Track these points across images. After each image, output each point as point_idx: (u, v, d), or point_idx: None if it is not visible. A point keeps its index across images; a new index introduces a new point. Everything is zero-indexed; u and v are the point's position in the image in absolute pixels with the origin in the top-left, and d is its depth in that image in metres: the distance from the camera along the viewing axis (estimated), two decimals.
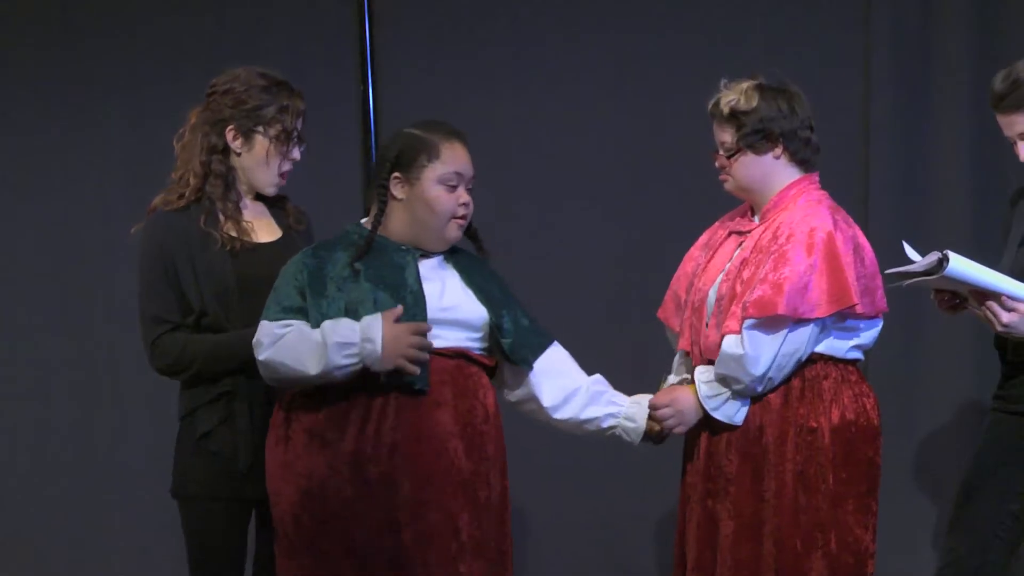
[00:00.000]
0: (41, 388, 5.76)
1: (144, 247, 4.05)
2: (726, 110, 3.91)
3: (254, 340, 3.76)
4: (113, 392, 5.71)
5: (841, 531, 3.85)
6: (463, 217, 3.83)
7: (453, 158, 3.80)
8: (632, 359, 4.83)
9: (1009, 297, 3.86)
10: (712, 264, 4.00)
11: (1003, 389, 4.16)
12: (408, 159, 3.80)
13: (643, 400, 3.97)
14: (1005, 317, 3.86)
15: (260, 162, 4.06)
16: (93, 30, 5.68)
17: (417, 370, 3.68)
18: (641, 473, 5.35)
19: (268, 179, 4.08)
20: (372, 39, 5.56)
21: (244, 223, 4.05)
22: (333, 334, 3.67)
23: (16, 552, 5.77)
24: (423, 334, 3.69)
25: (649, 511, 5.38)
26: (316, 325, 3.72)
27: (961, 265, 3.79)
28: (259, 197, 4.13)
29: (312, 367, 3.67)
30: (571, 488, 5.51)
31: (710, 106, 3.95)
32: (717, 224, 4.09)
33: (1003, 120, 4.02)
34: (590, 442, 5.25)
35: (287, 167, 4.09)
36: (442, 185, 3.79)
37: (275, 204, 4.16)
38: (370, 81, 5.55)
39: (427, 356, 3.69)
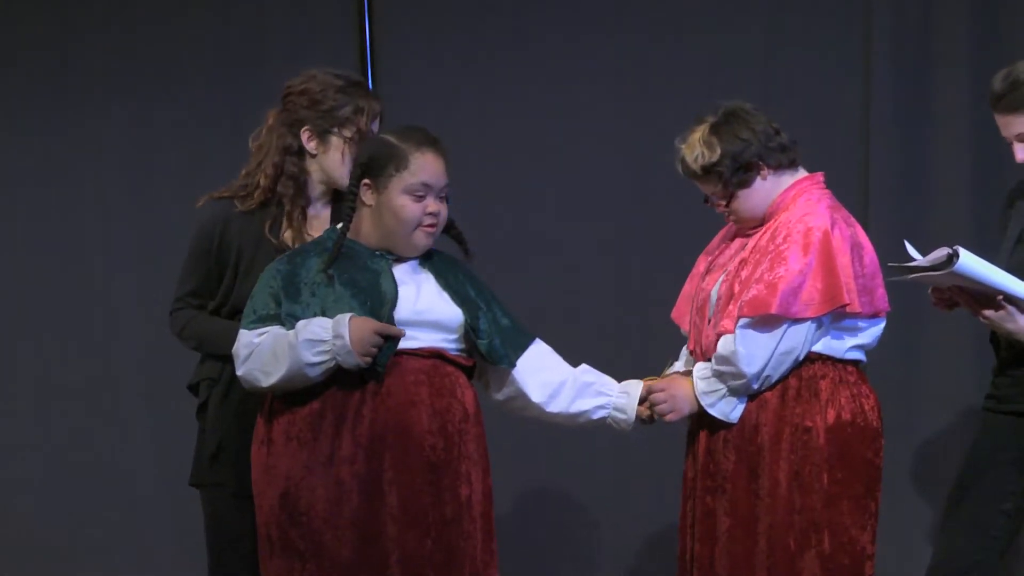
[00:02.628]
0: (41, 388, 5.76)
1: (199, 226, 4.07)
2: (697, 169, 3.90)
3: (233, 351, 3.79)
4: (113, 391, 5.71)
5: (835, 532, 3.84)
6: (431, 226, 3.81)
7: (422, 168, 3.78)
8: (633, 361, 4.81)
9: (1012, 297, 3.87)
10: (717, 265, 4.01)
11: (995, 388, 4.16)
12: (377, 166, 3.78)
13: (633, 389, 3.97)
14: (990, 313, 3.87)
15: (336, 163, 4.04)
16: (93, 30, 5.67)
17: (371, 360, 3.67)
18: (643, 470, 5.36)
19: (346, 178, 4.04)
20: (372, 39, 5.56)
21: (307, 235, 4.04)
22: (305, 331, 3.68)
23: (17, 552, 5.77)
24: (388, 332, 3.68)
25: (651, 508, 5.38)
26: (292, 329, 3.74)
27: (971, 262, 3.78)
28: (336, 198, 4.11)
29: (283, 365, 3.68)
30: (572, 486, 5.52)
31: (680, 168, 3.93)
32: (729, 225, 4.09)
33: (1001, 120, 4.02)
34: (591, 440, 5.29)
35: None
36: (408, 195, 3.77)
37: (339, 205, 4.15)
38: (370, 81, 5.55)
39: (380, 341, 3.68)
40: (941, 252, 3.80)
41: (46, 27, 5.70)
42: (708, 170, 3.90)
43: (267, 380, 3.73)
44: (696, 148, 3.90)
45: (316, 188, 4.08)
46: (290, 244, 4.01)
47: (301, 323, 3.71)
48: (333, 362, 3.68)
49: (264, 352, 3.72)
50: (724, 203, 3.94)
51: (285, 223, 4.03)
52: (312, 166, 4.07)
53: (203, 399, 4.09)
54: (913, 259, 3.86)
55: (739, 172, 3.89)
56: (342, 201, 3.96)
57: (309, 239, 4.02)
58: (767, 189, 3.93)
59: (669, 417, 3.94)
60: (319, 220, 4.08)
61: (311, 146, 4.04)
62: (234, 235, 4.02)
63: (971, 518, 4.12)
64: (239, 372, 3.77)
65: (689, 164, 3.92)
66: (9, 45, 5.72)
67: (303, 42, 5.54)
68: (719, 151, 3.88)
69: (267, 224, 4.02)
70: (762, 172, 3.91)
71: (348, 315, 3.69)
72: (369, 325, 3.68)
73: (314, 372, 3.70)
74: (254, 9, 5.64)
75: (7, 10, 5.70)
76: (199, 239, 4.06)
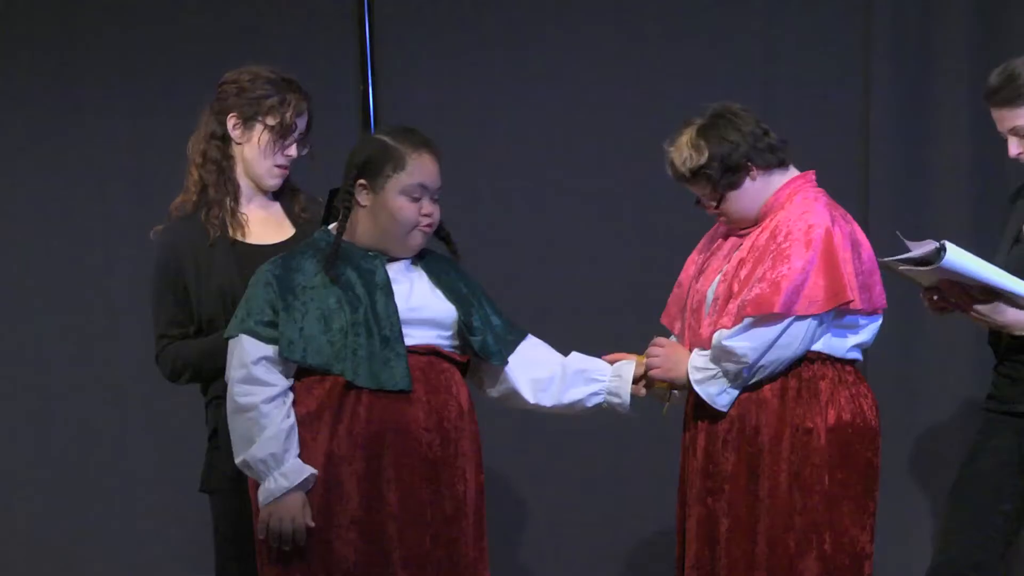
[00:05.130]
0: (41, 388, 5.76)
1: (155, 257, 4.08)
2: (686, 172, 3.90)
3: (229, 353, 3.76)
4: (113, 392, 5.71)
5: (836, 532, 3.85)
6: (427, 226, 3.82)
7: (419, 170, 3.79)
8: None
9: (1000, 290, 3.88)
10: (710, 266, 4.01)
11: (995, 390, 4.17)
12: (374, 167, 3.79)
13: (626, 371, 3.96)
14: (980, 307, 3.89)
15: (256, 152, 4.07)
16: (93, 30, 5.67)
17: (263, 538, 3.71)
18: (642, 470, 5.35)
19: (264, 170, 4.08)
20: (372, 39, 5.56)
21: (240, 214, 4.05)
22: (272, 468, 3.69)
23: (17, 552, 5.77)
24: (301, 533, 3.69)
25: (650, 508, 5.38)
26: (292, 339, 3.72)
27: (958, 256, 3.81)
28: (275, 195, 4.14)
29: (242, 450, 3.73)
30: (571, 486, 5.51)
31: (668, 171, 3.94)
32: (716, 227, 4.10)
33: (996, 114, 4.05)
34: (589, 439, 5.29)
35: (282, 161, 4.09)
36: (405, 196, 3.79)
37: (287, 199, 4.16)
38: (370, 81, 5.55)
39: (285, 547, 3.71)
40: (929, 245, 3.82)
41: (46, 27, 5.70)
42: (696, 173, 3.90)
43: (232, 421, 3.76)
44: (684, 151, 3.90)
45: (249, 180, 4.11)
46: (230, 229, 4.02)
47: (279, 458, 3.69)
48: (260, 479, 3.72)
49: (240, 431, 3.73)
50: (715, 204, 3.94)
51: (216, 209, 4.04)
52: (238, 154, 4.09)
53: (215, 424, 4.07)
54: (908, 251, 3.88)
55: (728, 174, 3.89)
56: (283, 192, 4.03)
57: (243, 219, 4.04)
58: (757, 189, 3.93)
59: (654, 372, 3.94)
60: (260, 209, 4.10)
61: (236, 134, 4.07)
62: (184, 247, 4.03)
63: (971, 518, 4.12)
64: (234, 374, 3.73)
65: (677, 167, 3.92)
66: (9, 45, 5.72)
67: (303, 42, 5.54)
68: (707, 154, 3.88)
69: (203, 213, 4.03)
70: (751, 173, 3.91)
71: (306, 482, 3.69)
72: (298, 516, 3.68)
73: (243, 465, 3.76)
74: (254, 9, 5.64)
75: (7, 10, 5.70)
76: (157, 272, 4.06)
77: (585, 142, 5.50)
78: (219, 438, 4.05)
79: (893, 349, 5.19)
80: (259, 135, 4.06)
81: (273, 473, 3.69)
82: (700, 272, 4.03)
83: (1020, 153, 4.05)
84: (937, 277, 3.90)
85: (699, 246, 4.12)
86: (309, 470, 3.70)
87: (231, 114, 4.06)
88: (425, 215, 3.80)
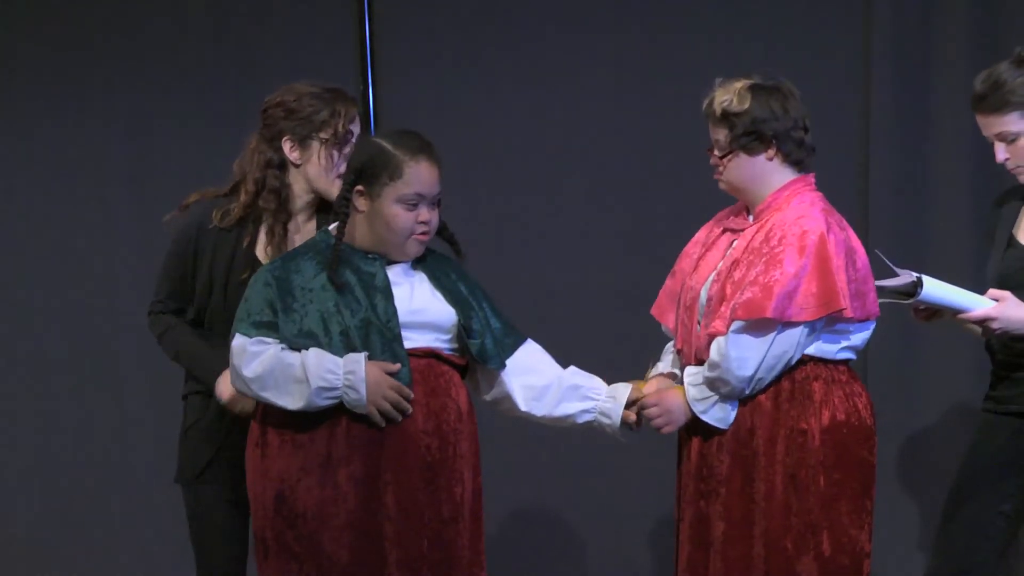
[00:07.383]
0: (41, 387, 5.76)
1: (181, 229, 4.09)
2: (718, 111, 3.90)
3: (231, 356, 3.77)
4: (113, 391, 5.72)
5: (835, 532, 3.84)
6: (423, 234, 3.82)
7: (416, 178, 3.77)
8: (626, 358, 4.84)
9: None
10: (704, 262, 4.00)
11: (994, 390, 4.17)
12: (371, 174, 3.78)
13: (620, 393, 3.95)
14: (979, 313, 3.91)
15: (318, 169, 4.06)
16: (93, 30, 5.68)
17: (382, 422, 3.71)
18: (641, 472, 5.35)
19: (331, 183, 4.05)
20: (372, 39, 5.56)
21: (285, 250, 4.05)
22: (316, 377, 3.68)
23: (17, 552, 5.77)
24: (403, 391, 3.72)
25: (649, 511, 5.38)
26: (290, 339, 3.73)
27: (934, 290, 3.85)
28: (319, 211, 4.12)
29: (293, 403, 3.70)
30: (570, 488, 5.51)
31: (704, 104, 3.94)
32: (712, 221, 4.09)
33: (982, 120, 4.04)
34: (588, 440, 5.28)
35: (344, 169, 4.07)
36: (402, 204, 3.78)
37: (326, 225, 4.16)
38: (370, 81, 5.56)
39: (408, 408, 3.72)
40: (907, 278, 3.84)
41: (46, 29, 5.71)
42: (726, 116, 3.89)
43: (267, 399, 3.74)
44: (729, 94, 3.90)
45: (298, 201, 4.10)
46: (267, 260, 4.02)
47: (311, 360, 3.70)
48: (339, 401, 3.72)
49: (269, 376, 3.71)
50: (721, 156, 3.92)
51: (265, 239, 4.04)
52: (295, 178, 4.08)
53: (198, 415, 4.10)
54: (888, 266, 3.90)
55: (749, 137, 3.88)
56: (330, 211, 3.98)
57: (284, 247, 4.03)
58: (764, 170, 3.91)
59: (665, 430, 3.93)
60: (300, 236, 4.08)
61: (294, 156, 4.06)
62: (208, 248, 4.04)
63: (970, 520, 4.12)
64: (246, 373, 3.74)
65: (715, 103, 3.91)
66: (9, 45, 5.73)
67: (303, 43, 5.55)
68: (746, 107, 3.87)
69: (244, 241, 4.03)
70: (769, 152, 3.90)
71: (361, 363, 3.69)
72: (386, 381, 3.70)
73: (318, 409, 3.73)
74: (254, 10, 5.65)
75: (7, 10, 5.70)
76: (178, 242, 4.09)
77: (585, 142, 5.50)
78: (200, 423, 4.10)
79: (893, 349, 5.19)
80: (318, 152, 4.05)
81: (340, 384, 3.67)
82: (695, 267, 4.02)
83: (1007, 159, 4.05)
84: (921, 306, 3.95)
85: (694, 239, 4.11)
86: (352, 357, 3.70)
87: (285, 138, 4.05)
88: (421, 222, 3.80)
